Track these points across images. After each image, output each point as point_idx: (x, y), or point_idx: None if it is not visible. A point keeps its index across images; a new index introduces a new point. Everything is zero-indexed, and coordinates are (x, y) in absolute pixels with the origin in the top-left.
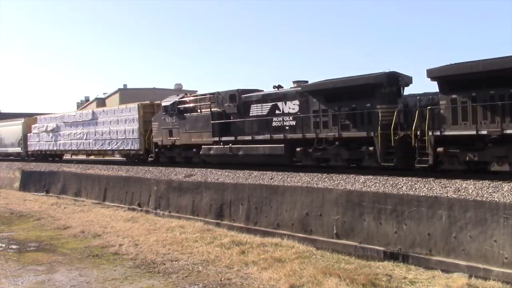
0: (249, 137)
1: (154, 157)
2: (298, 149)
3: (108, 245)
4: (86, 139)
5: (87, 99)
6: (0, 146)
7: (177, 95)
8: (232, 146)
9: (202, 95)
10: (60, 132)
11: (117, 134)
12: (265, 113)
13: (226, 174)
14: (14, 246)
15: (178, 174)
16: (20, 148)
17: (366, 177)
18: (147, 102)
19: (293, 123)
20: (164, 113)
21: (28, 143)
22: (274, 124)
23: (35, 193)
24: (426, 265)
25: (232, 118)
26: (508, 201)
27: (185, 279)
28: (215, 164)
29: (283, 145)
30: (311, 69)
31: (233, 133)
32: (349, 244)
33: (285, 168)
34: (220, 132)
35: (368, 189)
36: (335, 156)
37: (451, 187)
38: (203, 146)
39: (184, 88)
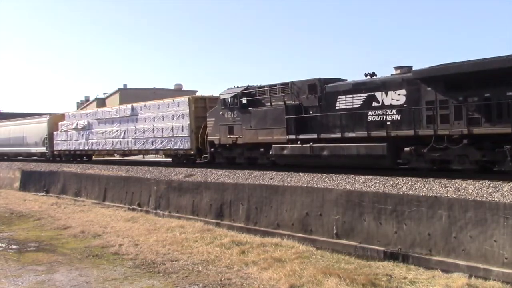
0: (337, 135)
1: (208, 158)
2: (406, 149)
3: (108, 245)
4: (123, 138)
5: (87, 99)
6: (22, 146)
7: (237, 86)
8: (314, 145)
9: (271, 85)
10: (93, 130)
11: (162, 131)
12: (357, 106)
13: (226, 174)
14: (14, 246)
15: (178, 174)
16: (45, 148)
17: (366, 177)
18: (199, 95)
19: (398, 117)
20: (222, 107)
21: (54, 142)
22: (370, 118)
23: (35, 193)
24: (426, 265)
25: (311, 112)
26: (508, 201)
27: (185, 279)
28: (215, 164)
29: (385, 144)
30: (312, 69)
31: (313, 129)
32: (349, 244)
33: (285, 168)
34: (296, 128)
35: (368, 189)
36: (460, 157)
37: (451, 187)
38: (273, 146)
39: (184, 88)
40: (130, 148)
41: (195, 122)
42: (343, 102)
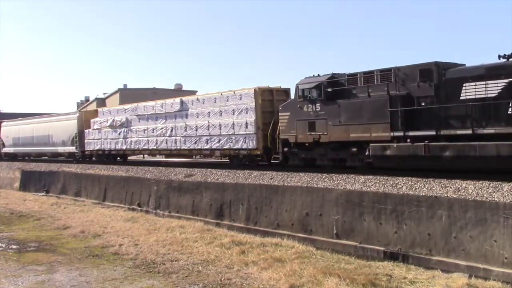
0: (465, 131)
1: (280, 159)
2: None
3: (108, 245)
4: (170, 136)
5: (87, 99)
6: (47, 145)
7: (317, 75)
8: (430, 144)
9: (367, 73)
10: (132, 128)
11: (220, 128)
12: (493, 95)
13: (226, 174)
14: (14, 246)
15: (178, 174)
16: (74, 147)
17: (366, 177)
18: (265, 86)
19: None
20: (301, 99)
21: (86, 141)
22: None
23: (35, 193)
24: (426, 265)
25: (423, 104)
26: (508, 201)
27: (185, 279)
28: (215, 163)
29: None
30: (311, 69)
31: (428, 125)
32: (349, 244)
33: (285, 168)
34: (405, 123)
35: (368, 189)
36: None
37: (451, 187)
38: (371, 145)
39: (184, 88)
40: (178, 147)
41: (262, 117)
42: (472, 91)
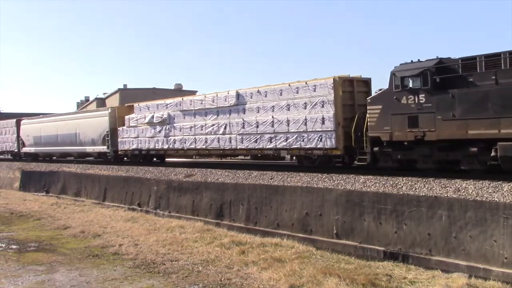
0: None
1: (369, 160)
2: None
3: (108, 245)
4: (224, 134)
5: (87, 99)
6: (74, 145)
7: (417, 60)
8: None
9: (492, 55)
10: (175, 125)
11: (287, 125)
12: None
13: (226, 174)
14: (14, 246)
15: (178, 174)
16: (105, 147)
17: (366, 177)
18: (345, 75)
19: None
20: (398, 89)
21: (119, 139)
22: None
23: (35, 193)
24: (426, 265)
25: None
26: (508, 201)
27: (185, 279)
28: (215, 163)
29: None
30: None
31: None
32: (349, 244)
33: (285, 168)
34: None
35: (368, 189)
36: None
37: (451, 187)
38: (500, 144)
39: (184, 88)
40: (233, 146)
41: (342, 111)
42: None
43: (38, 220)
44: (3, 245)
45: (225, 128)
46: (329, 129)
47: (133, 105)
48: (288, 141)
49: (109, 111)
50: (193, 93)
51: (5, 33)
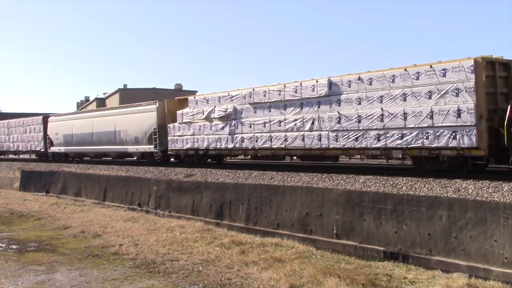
0: None
1: None
2: None
3: (108, 245)
4: (311, 130)
5: (87, 99)
6: (113, 143)
7: None
8: None
9: None
10: (243, 120)
11: (404, 119)
12: None
13: (226, 174)
14: (14, 246)
15: (178, 174)
16: (151, 146)
17: (366, 177)
18: (489, 55)
19: None
20: None
21: (169, 138)
22: None
23: (35, 193)
24: (426, 265)
25: None
26: (508, 201)
27: (185, 279)
28: (215, 164)
29: None
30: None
31: None
32: (349, 244)
33: (285, 168)
34: None
35: (368, 189)
36: None
37: (451, 187)
38: None
39: (184, 88)
40: (324, 145)
41: (486, 102)
42: None
43: (38, 220)
44: (3, 245)
45: (312, 123)
46: (468, 123)
47: (186, 98)
48: (404, 139)
49: (157, 105)
50: (193, 93)
51: (5, 33)
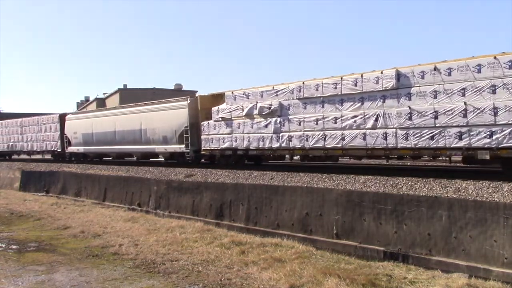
0: None
1: None
2: None
3: (108, 245)
4: (374, 128)
5: (87, 99)
6: (138, 143)
7: None
8: None
9: None
10: (290, 117)
11: (494, 114)
12: None
13: (226, 174)
14: (14, 246)
15: (178, 174)
16: (182, 146)
17: (366, 177)
18: None
19: None
20: None
21: (203, 137)
22: None
23: (35, 193)
24: (426, 265)
25: None
26: (508, 201)
27: (185, 279)
28: (215, 164)
29: None
30: (313, 69)
31: None
32: (349, 244)
33: (285, 168)
34: None
35: (368, 189)
36: None
37: (451, 187)
38: None
39: (184, 88)
40: (391, 145)
41: None
42: None
43: (38, 220)
44: (3, 245)
45: (376, 120)
46: None
47: (222, 94)
48: (494, 137)
49: (189, 101)
50: (193, 93)
51: (6, 33)
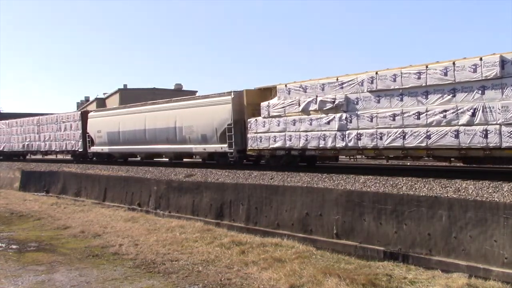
0: None
1: None
2: None
3: (108, 245)
4: (470, 125)
5: (87, 99)
6: (172, 142)
7: None
8: None
9: None
10: (359, 112)
11: None
12: None
13: (226, 174)
14: (14, 246)
15: (178, 174)
16: (225, 145)
17: (366, 177)
18: None
19: None
20: None
21: (249, 135)
22: None
23: (35, 193)
24: (426, 265)
25: None
26: (508, 201)
27: (185, 279)
28: (216, 164)
29: None
30: (313, 68)
31: None
32: (349, 244)
33: (285, 168)
34: None
35: (368, 189)
36: None
37: (451, 187)
38: None
39: (184, 88)
40: (493, 144)
41: None
42: None
43: (38, 220)
44: (3, 245)
45: (472, 114)
46: None
47: (274, 87)
48: None
49: (233, 96)
50: (193, 93)
51: (6, 33)
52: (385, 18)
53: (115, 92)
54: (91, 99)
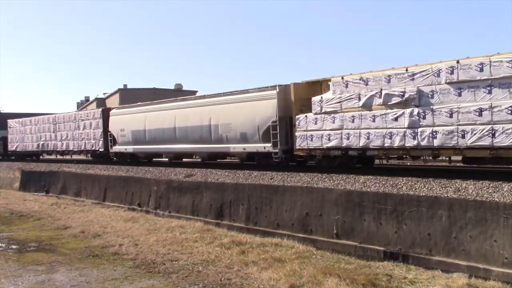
0: None
1: None
2: None
3: (108, 245)
4: None
5: (87, 99)
6: (205, 141)
7: None
8: None
9: None
10: (434, 107)
11: None
12: None
13: (226, 174)
14: (14, 246)
15: (178, 174)
16: (269, 145)
17: (366, 177)
18: None
19: None
20: None
21: (298, 133)
22: None
23: (35, 193)
24: (426, 265)
25: None
26: (508, 201)
27: (185, 279)
28: (215, 163)
29: None
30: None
31: None
32: (349, 244)
33: (285, 168)
34: None
35: (368, 189)
36: None
37: (451, 187)
38: None
39: (184, 88)
40: None
41: None
42: None
43: (38, 220)
44: (3, 245)
45: None
46: None
47: (326, 80)
48: None
49: (278, 90)
50: (193, 93)
51: (6, 33)
52: (385, 18)
53: (115, 92)
54: (91, 99)
